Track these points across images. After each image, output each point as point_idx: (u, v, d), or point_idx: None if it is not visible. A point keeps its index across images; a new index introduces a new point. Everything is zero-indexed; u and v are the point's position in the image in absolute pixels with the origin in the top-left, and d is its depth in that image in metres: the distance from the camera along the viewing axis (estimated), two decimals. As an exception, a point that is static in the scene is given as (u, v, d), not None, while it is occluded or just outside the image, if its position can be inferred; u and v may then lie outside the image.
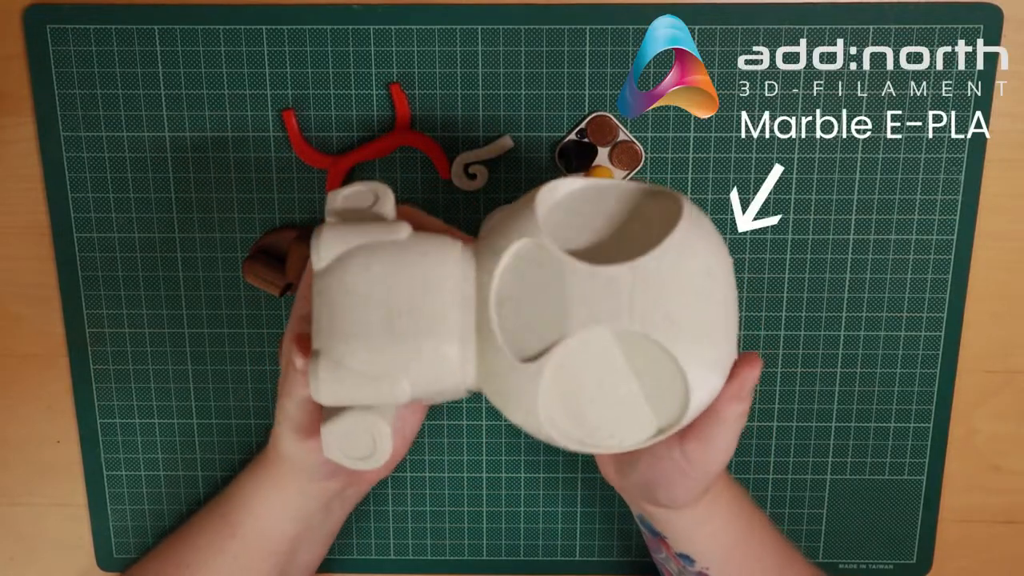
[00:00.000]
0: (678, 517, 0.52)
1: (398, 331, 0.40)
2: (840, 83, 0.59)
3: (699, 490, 0.49)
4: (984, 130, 0.60)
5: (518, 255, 0.40)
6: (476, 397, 0.65)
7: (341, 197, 0.45)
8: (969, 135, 0.60)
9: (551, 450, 0.66)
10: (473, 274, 0.41)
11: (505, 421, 0.65)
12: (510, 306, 0.40)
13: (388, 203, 0.44)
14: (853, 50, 0.59)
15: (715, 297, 0.40)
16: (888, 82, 0.59)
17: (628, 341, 0.39)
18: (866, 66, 0.59)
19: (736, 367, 0.42)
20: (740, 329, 0.63)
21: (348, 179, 0.61)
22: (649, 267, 0.38)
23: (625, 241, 0.41)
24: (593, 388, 0.40)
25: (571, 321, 0.38)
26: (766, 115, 0.60)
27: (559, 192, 0.42)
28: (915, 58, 0.59)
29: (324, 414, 0.43)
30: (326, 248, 0.41)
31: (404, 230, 0.42)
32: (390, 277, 0.40)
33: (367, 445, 0.42)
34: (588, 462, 0.66)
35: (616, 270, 0.38)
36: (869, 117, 0.60)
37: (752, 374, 0.42)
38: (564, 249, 0.40)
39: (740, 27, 0.59)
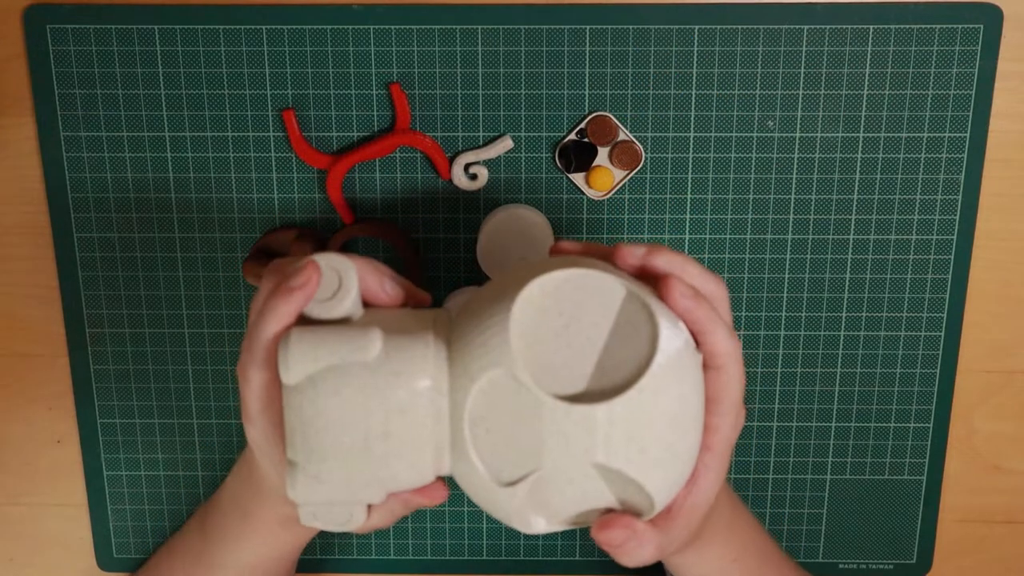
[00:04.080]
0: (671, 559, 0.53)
1: (375, 455, 0.40)
2: (840, 83, 0.59)
3: (671, 548, 0.48)
4: (984, 130, 0.60)
5: (492, 382, 0.39)
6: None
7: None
8: (969, 135, 0.60)
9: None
10: (446, 387, 0.40)
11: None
12: (483, 427, 0.40)
13: (352, 287, 0.42)
14: (853, 50, 0.59)
15: (685, 422, 0.40)
16: (888, 82, 0.59)
17: (598, 467, 0.40)
18: (866, 66, 0.59)
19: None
20: (740, 330, 0.63)
21: (348, 180, 0.61)
22: (626, 406, 0.38)
23: (602, 352, 0.40)
24: (564, 499, 0.41)
25: (546, 455, 0.39)
26: (766, 115, 0.60)
27: (534, 297, 0.41)
28: (915, 58, 0.59)
29: None
30: (296, 366, 0.40)
31: (374, 344, 0.40)
32: (364, 403, 0.40)
33: (344, 515, 0.43)
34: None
35: (591, 410, 0.38)
36: (869, 117, 0.60)
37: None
38: (539, 367, 0.39)
39: (740, 27, 0.59)
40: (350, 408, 0.40)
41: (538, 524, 0.42)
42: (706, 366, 0.43)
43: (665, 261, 0.42)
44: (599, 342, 0.40)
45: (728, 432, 0.44)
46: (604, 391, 0.39)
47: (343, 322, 0.42)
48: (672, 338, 0.40)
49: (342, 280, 0.42)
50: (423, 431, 0.40)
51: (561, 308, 0.40)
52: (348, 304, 0.41)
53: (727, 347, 0.42)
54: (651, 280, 0.42)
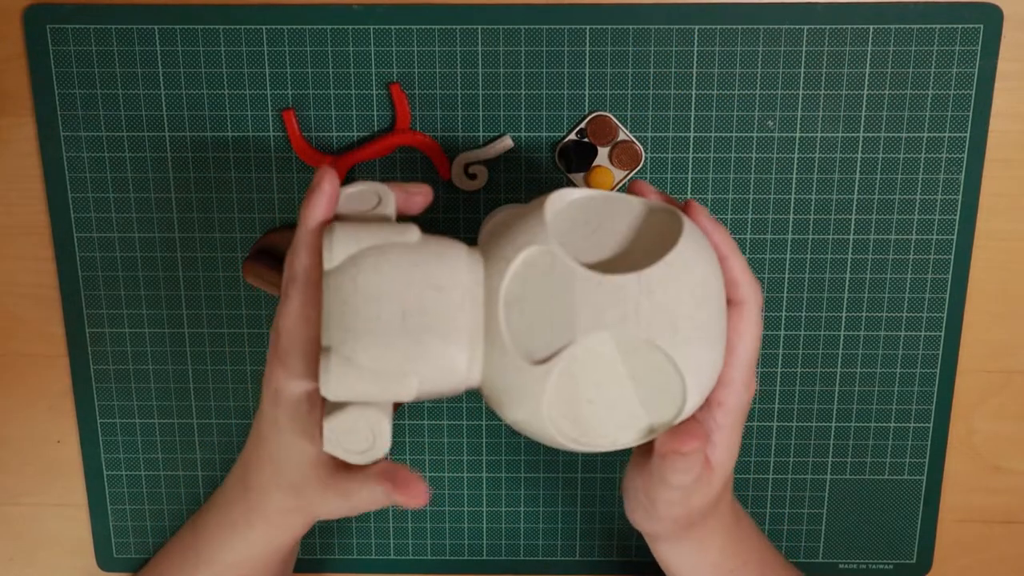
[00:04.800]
0: (662, 549, 0.53)
1: (410, 330, 0.41)
2: (840, 83, 0.59)
3: (668, 527, 0.50)
4: (984, 130, 0.60)
5: (527, 261, 0.41)
6: (477, 397, 0.65)
7: (345, 196, 0.46)
8: (969, 135, 0.60)
9: (550, 451, 0.66)
10: (482, 277, 0.42)
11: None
12: (518, 308, 0.41)
13: (390, 206, 0.45)
14: (853, 50, 0.59)
15: (710, 306, 0.42)
16: (888, 82, 0.59)
17: (628, 347, 0.41)
18: (866, 66, 0.59)
19: (676, 439, 0.44)
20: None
21: (348, 179, 0.61)
22: (654, 277, 0.40)
23: (628, 251, 0.43)
24: (592, 390, 0.42)
25: (579, 326, 0.40)
26: (766, 115, 0.60)
27: (567, 199, 0.44)
28: (915, 58, 0.59)
29: (326, 409, 0.43)
30: (339, 247, 0.42)
31: (414, 233, 0.43)
32: (402, 277, 0.41)
33: (367, 439, 0.43)
34: (587, 462, 0.66)
35: (623, 279, 0.40)
36: (869, 117, 0.60)
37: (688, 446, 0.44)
38: (571, 256, 0.41)
39: (740, 27, 0.59)
40: (389, 282, 0.41)
41: (561, 424, 0.42)
42: (729, 301, 0.46)
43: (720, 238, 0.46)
44: (626, 243, 0.43)
45: (745, 389, 0.46)
46: (634, 267, 0.41)
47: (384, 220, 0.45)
48: (693, 229, 0.43)
49: (381, 198, 0.45)
50: (459, 313, 0.42)
51: (588, 218, 0.43)
52: (389, 212, 0.45)
53: (747, 277, 0.46)
54: None
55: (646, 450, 0.48)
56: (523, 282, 0.41)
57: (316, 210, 0.44)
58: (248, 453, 0.52)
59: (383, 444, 0.43)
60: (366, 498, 0.46)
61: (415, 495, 0.45)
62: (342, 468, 0.48)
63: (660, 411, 0.43)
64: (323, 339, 0.42)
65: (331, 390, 0.41)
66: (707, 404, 0.47)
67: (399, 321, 0.41)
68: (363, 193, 0.46)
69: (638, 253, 0.42)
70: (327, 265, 0.42)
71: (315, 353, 0.44)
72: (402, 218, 0.51)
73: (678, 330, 0.41)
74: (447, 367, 0.42)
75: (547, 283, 0.41)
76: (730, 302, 0.46)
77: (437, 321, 0.41)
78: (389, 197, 0.45)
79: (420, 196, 0.47)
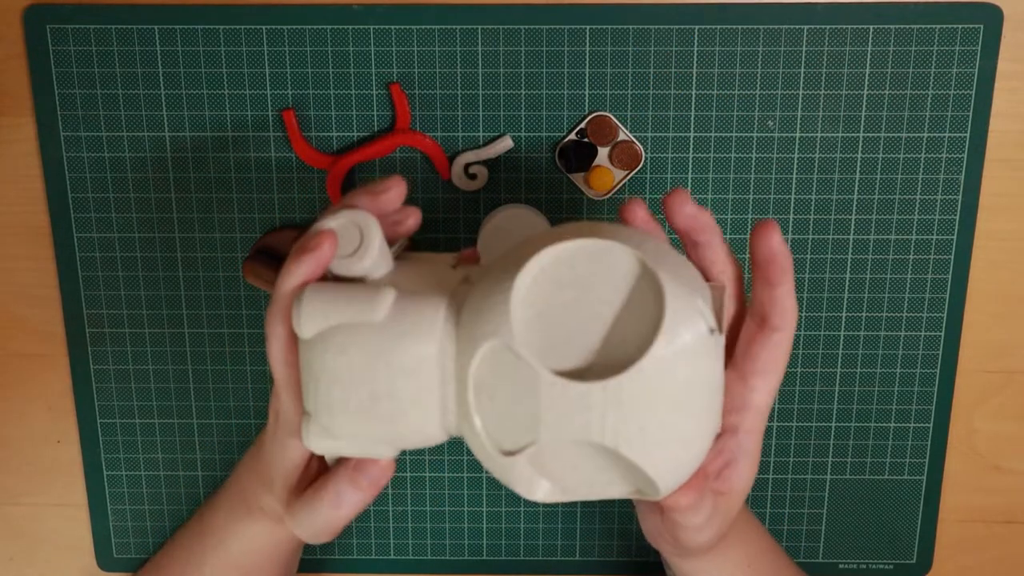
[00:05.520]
0: (686, 566, 0.52)
1: (380, 414, 0.41)
2: (840, 83, 0.59)
3: (688, 550, 0.49)
4: (984, 130, 0.60)
5: (493, 350, 0.39)
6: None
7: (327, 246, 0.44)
8: (969, 135, 0.60)
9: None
10: (454, 351, 0.41)
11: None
12: (487, 394, 0.40)
13: (372, 244, 0.43)
14: (853, 50, 0.59)
15: (693, 406, 0.39)
16: (888, 82, 0.59)
17: (597, 446, 0.39)
18: (866, 66, 0.59)
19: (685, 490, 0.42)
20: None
21: (348, 179, 0.61)
22: (623, 387, 0.37)
23: (616, 324, 0.39)
24: (566, 472, 0.40)
25: (542, 431, 0.38)
26: (766, 115, 0.60)
27: (546, 263, 0.40)
28: (915, 58, 0.59)
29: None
30: (307, 323, 0.41)
31: (383, 305, 0.41)
32: (369, 363, 0.41)
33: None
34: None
35: (587, 388, 0.37)
36: (869, 117, 0.60)
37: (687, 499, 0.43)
38: (543, 339, 0.39)
39: (740, 27, 0.59)
40: (356, 367, 0.41)
41: (540, 491, 0.41)
42: (768, 327, 0.44)
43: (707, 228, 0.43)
44: (609, 316, 0.39)
45: (767, 413, 0.45)
46: (607, 368, 0.38)
47: (360, 281, 0.43)
48: (683, 319, 0.38)
49: (363, 236, 0.43)
50: (429, 394, 0.41)
51: (574, 278, 0.40)
52: (368, 261, 0.42)
53: (795, 302, 0.44)
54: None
55: None
56: (491, 370, 0.39)
57: (296, 278, 0.42)
58: (247, 458, 0.53)
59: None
60: (331, 492, 0.46)
61: (374, 471, 0.45)
62: (318, 476, 0.49)
63: (639, 486, 0.41)
64: (304, 402, 0.43)
65: (313, 448, 0.43)
66: (732, 431, 0.45)
67: (368, 404, 0.41)
68: (344, 229, 0.43)
69: (621, 333, 0.39)
70: (299, 334, 0.42)
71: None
72: (388, 229, 0.48)
73: (649, 438, 0.38)
74: (422, 438, 0.42)
75: (512, 379, 0.39)
76: (768, 326, 0.44)
77: (407, 404, 0.41)
78: (371, 231, 0.43)
79: (412, 219, 0.45)
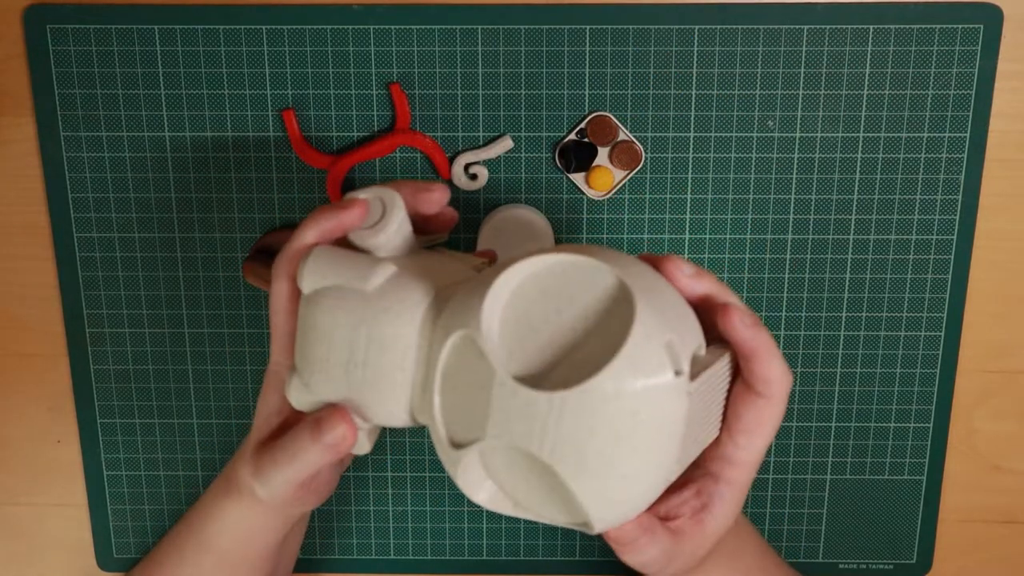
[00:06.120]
0: None
1: (351, 381, 0.43)
2: (840, 83, 0.59)
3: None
4: (984, 130, 0.60)
5: (464, 341, 0.40)
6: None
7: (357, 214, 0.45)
8: (969, 135, 0.60)
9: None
10: (429, 338, 0.42)
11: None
12: (451, 383, 0.40)
13: (394, 216, 0.44)
14: (853, 50, 0.59)
15: (639, 444, 0.38)
16: (888, 82, 0.59)
17: (535, 459, 0.39)
18: (866, 66, 0.59)
19: (628, 532, 0.42)
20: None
21: (348, 180, 0.61)
22: (568, 403, 0.37)
23: (590, 335, 0.39)
24: (508, 480, 0.41)
25: (488, 429, 0.39)
26: (766, 115, 0.60)
27: (534, 271, 0.41)
28: (915, 58, 0.59)
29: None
30: (308, 279, 0.43)
31: (377, 277, 0.42)
32: (350, 328, 0.42)
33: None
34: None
35: (535, 396, 0.37)
36: (869, 117, 0.60)
37: (641, 542, 0.42)
38: (514, 344, 0.39)
39: (740, 27, 0.59)
40: (339, 329, 0.42)
41: (483, 492, 0.42)
42: (753, 392, 0.43)
43: (715, 287, 0.43)
44: (582, 334, 0.39)
45: (755, 468, 0.45)
46: (564, 383, 0.38)
47: (371, 254, 0.44)
48: (644, 354, 0.37)
49: (385, 211, 0.44)
50: (402, 373, 0.42)
51: (560, 291, 0.40)
52: (383, 237, 0.44)
53: (781, 374, 0.43)
54: (705, 306, 0.43)
55: None
56: (458, 361, 0.40)
57: (313, 233, 0.44)
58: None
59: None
60: (290, 440, 0.46)
61: (335, 432, 0.44)
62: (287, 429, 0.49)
63: (576, 517, 0.40)
64: (294, 355, 0.45)
65: (292, 400, 0.46)
66: (713, 478, 0.45)
67: (343, 368, 0.43)
68: (372, 203, 0.45)
69: (594, 349, 0.39)
70: (300, 287, 0.44)
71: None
72: (421, 220, 0.49)
73: (586, 463, 0.37)
74: (386, 415, 0.43)
75: (473, 373, 0.39)
76: (753, 392, 0.43)
77: (378, 377, 0.42)
78: (394, 209, 0.44)
79: (437, 193, 0.46)
